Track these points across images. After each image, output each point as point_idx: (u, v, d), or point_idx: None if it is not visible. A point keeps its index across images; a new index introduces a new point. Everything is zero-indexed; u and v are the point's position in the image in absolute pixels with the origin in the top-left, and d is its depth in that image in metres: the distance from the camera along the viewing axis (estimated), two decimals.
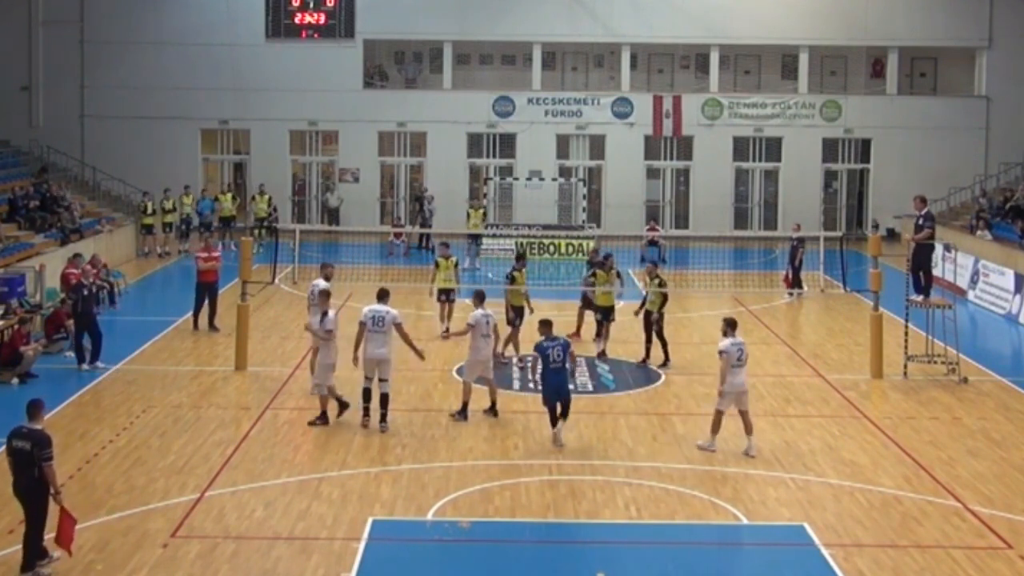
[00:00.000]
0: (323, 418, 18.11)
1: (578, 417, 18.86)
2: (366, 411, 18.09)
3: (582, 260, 36.22)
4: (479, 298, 19.13)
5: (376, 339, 17.78)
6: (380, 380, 17.90)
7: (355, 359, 18.02)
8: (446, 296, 24.87)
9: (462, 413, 18.54)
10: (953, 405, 20.16)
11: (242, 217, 40.36)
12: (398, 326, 17.95)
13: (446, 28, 42.35)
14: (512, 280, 23.08)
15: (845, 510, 14.90)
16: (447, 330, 23.40)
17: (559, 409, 17.31)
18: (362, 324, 17.90)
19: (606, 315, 22.86)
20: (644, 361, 22.40)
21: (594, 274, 23.36)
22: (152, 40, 41.63)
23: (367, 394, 18.05)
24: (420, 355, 18.50)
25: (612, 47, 43.40)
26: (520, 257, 24.00)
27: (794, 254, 29.89)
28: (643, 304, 22.62)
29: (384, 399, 17.91)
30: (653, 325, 22.30)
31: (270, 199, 39.53)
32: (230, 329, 22.82)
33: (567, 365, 17.35)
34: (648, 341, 22.48)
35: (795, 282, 29.88)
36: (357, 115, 42.25)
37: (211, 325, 24.92)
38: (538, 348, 17.31)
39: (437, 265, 25.13)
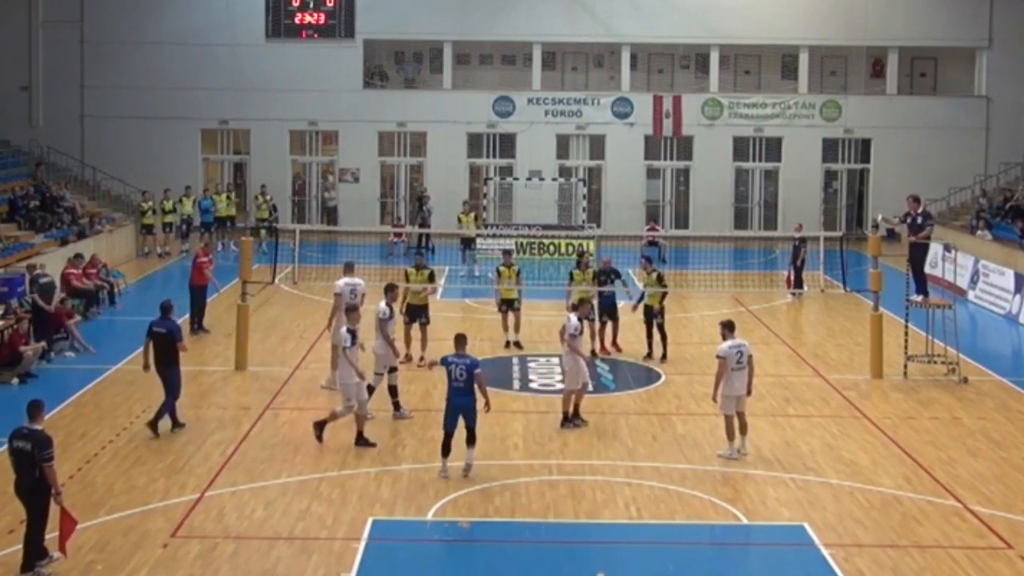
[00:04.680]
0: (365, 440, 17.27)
1: None
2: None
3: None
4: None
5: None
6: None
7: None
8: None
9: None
10: (953, 405, 20.16)
11: (241, 217, 40.39)
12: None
13: (446, 28, 42.35)
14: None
15: (845, 510, 14.90)
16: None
17: (466, 436, 15.77)
18: (338, 295, 19.96)
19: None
20: (648, 356, 22.44)
21: (571, 275, 23.36)
22: (152, 40, 41.62)
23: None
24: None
25: (612, 47, 43.40)
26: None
27: (796, 254, 29.88)
28: (640, 299, 22.71)
29: None
30: (654, 320, 22.45)
31: (270, 199, 39.52)
32: (230, 329, 22.81)
33: (473, 388, 15.74)
34: (649, 336, 22.61)
35: (797, 282, 29.88)
36: (357, 115, 42.24)
37: (201, 326, 24.91)
38: (443, 361, 16.00)
39: (406, 277, 22.61)
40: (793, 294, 29.98)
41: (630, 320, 23.75)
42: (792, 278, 30.13)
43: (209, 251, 25.70)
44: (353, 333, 17.05)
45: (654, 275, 22.68)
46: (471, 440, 15.83)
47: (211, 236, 34.64)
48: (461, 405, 15.75)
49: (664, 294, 22.64)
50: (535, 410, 19.00)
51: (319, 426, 17.18)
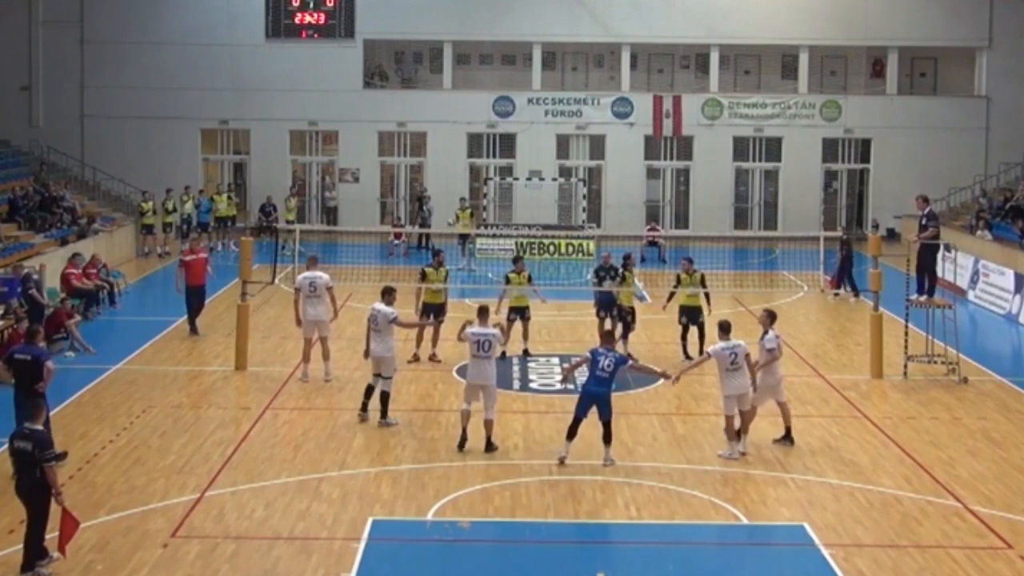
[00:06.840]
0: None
1: None
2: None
3: (582, 260, 36.25)
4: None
5: (313, 302, 20.61)
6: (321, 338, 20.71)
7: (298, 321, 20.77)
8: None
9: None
10: (953, 405, 20.16)
11: (242, 217, 40.41)
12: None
13: (446, 28, 42.35)
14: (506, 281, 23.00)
15: (845, 510, 14.90)
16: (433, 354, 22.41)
17: (603, 433, 16.31)
18: (298, 289, 20.70)
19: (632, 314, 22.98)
20: (687, 358, 22.24)
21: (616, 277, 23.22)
22: (152, 40, 41.62)
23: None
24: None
25: (612, 47, 43.41)
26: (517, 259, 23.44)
27: (846, 255, 29.84)
28: (669, 298, 22.80)
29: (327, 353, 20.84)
30: (697, 320, 22.53)
31: (297, 204, 39.66)
32: (230, 329, 22.80)
33: (613, 381, 16.37)
34: (684, 338, 22.63)
35: (840, 283, 29.83)
36: (357, 115, 42.25)
37: (194, 327, 24.87)
38: (592, 352, 16.58)
39: (423, 275, 22.70)
40: (836, 294, 29.89)
41: (649, 320, 23.71)
42: (836, 279, 30.05)
43: (197, 251, 25.43)
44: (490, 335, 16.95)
45: (696, 275, 22.69)
46: (607, 438, 16.30)
47: (209, 236, 34.61)
48: (598, 393, 16.23)
49: (707, 295, 22.72)
50: (535, 410, 18.99)
51: (492, 445, 16.89)
